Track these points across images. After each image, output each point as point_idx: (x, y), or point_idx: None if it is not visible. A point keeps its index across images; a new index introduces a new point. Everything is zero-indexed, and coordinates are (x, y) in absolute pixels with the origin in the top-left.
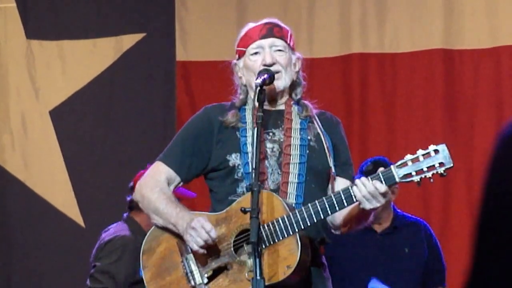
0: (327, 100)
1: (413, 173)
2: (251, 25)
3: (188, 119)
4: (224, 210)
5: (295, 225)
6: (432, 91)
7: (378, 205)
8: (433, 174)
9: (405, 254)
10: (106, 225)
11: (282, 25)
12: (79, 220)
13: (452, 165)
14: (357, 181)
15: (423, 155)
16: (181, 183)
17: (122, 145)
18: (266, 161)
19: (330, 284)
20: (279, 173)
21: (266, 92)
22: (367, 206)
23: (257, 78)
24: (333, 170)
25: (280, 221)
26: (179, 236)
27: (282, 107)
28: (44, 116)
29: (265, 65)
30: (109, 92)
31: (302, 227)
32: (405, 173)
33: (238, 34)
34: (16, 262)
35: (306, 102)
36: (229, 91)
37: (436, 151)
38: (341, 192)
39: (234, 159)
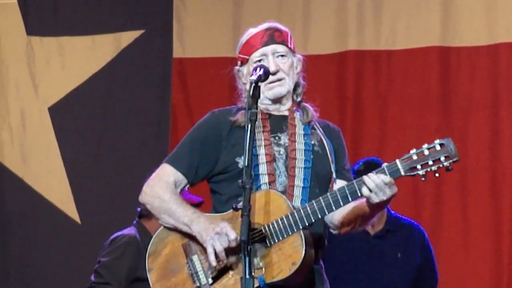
0: (322, 97)
1: (418, 167)
2: (251, 31)
3: (196, 121)
4: (230, 210)
5: (299, 222)
6: (427, 88)
7: (385, 198)
8: (438, 168)
9: (397, 258)
10: (102, 222)
11: (282, 28)
12: (75, 217)
13: (458, 158)
14: (364, 177)
15: (428, 149)
16: (188, 186)
17: (119, 141)
18: (274, 164)
19: (328, 286)
20: (286, 176)
21: (271, 98)
22: (374, 199)
23: (252, 75)
24: (334, 175)
25: (285, 219)
26: (186, 238)
27: (286, 112)
28: (43, 112)
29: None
30: (108, 88)
31: (307, 224)
32: (410, 166)
33: (241, 39)
34: (13, 258)
35: (307, 106)
36: (224, 88)
37: (441, 145)
38: (345, 187)
39: (243, 161)
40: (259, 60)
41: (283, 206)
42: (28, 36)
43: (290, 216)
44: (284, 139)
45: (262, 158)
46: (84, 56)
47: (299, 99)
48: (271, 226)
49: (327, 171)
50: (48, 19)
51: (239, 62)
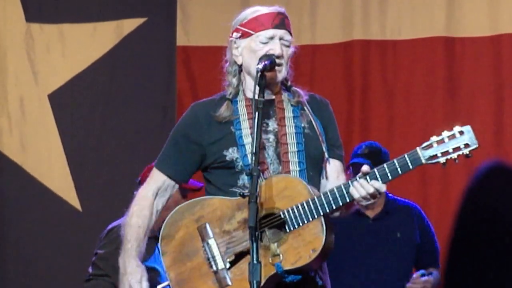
0: (328, 87)
1: (439, 155)
2: (261, 9)
3: (181, 115)
4: (239, 197)
5: (320, 208)
6: (433, 78)
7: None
8: (458, 155)
9: (397, 238)
10: (104, 209)
11: (288, 17)
12: (76, 204)
13: (477, 145)
14: (355, 184)
15: (448, 136)
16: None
17: (121, 129)
18: (264, 152)
19: (325, 267)
20: (279, 163)
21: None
22: (364, 202)
23: (258, 64)
24: (326, 154)
25: (305, 205)
26: (201, 221)
27: (272, 96)
28: (42, 99)
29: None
30: (109, 76)
31: (328, 210)
32: (431, 154)
33: (245, 13)
34: (12, 246)
35: (296, 88)
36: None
37: (461, 132)
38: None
39: (231, 153)
40: (266, 43)
41: (304, 192)
42: (27, 23)
43: (311, 202)
44: (272, 125)
45: (250, 148)
46: (85, 43)
47: (289, 83)
48: (291, 212)
49: (319, 152)
50: (48, 6)
51: (237, 34)
